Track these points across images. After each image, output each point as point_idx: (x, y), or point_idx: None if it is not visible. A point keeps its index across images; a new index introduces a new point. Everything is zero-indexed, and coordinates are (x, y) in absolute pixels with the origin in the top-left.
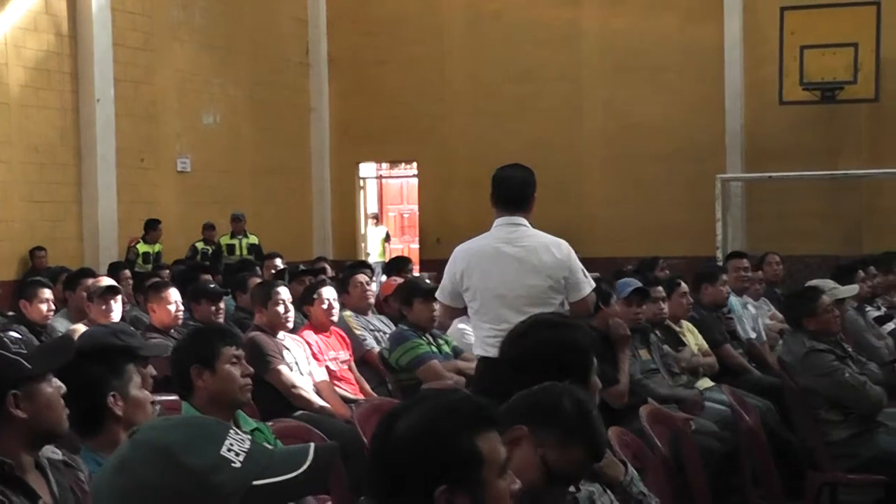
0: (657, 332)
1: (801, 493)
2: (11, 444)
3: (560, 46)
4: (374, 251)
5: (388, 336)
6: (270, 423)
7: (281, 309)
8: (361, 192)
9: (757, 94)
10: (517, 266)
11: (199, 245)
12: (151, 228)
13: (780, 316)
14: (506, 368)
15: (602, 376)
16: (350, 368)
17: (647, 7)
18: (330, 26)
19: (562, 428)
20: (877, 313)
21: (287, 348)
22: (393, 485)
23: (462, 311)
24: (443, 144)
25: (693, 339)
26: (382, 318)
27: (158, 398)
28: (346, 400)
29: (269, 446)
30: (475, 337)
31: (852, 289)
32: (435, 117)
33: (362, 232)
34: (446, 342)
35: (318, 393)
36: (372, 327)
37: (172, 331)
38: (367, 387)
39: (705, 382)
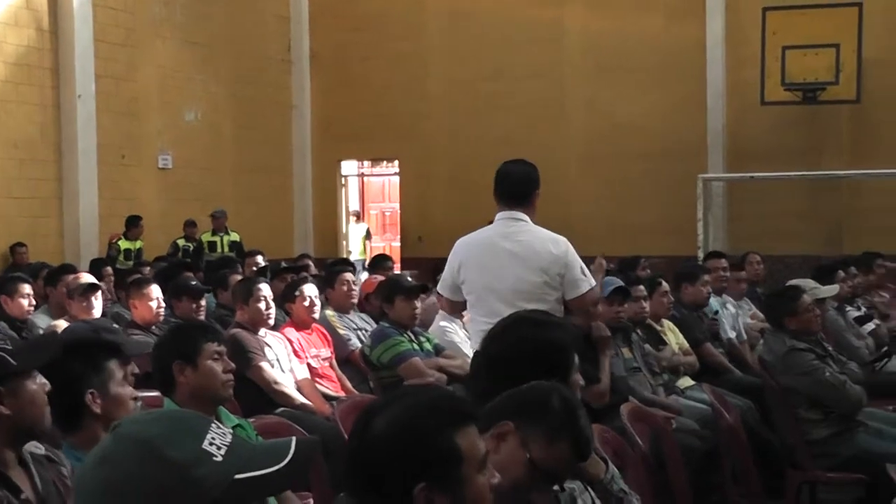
0: (638, 330)
1: (782, 491)
2: None
3: (543, 46)
4: (355, 249)
5: (369, 333)
6: (252, 420)
7: (262, 306)
8: (343, 189)
9: (739, 94)
10: (512, 260)
11: (181, 242)
12: (133, 225)
13: (761, 315)
14: (484, 364)
15: (583, 374)
16: (331, 366)
17: (629, 7)
18: (312, 23)
19: (549, 426)
20: (857, 313)
21: (268, 345)
22: (371, 482)
23: (464, 305)
24: (425, 143)
25: (674, 338)
26: (364, 315)
27: (140, 395)
28: (327, 397)
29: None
30: (471, 331)
31: (833, 289)
32: (417, 115)
33: (344, 230)
34: (428, 339)
35: (299, 390)
36: (354, 325)
37: (154, 327)
38: (349, 384)
39: (686, 381)
